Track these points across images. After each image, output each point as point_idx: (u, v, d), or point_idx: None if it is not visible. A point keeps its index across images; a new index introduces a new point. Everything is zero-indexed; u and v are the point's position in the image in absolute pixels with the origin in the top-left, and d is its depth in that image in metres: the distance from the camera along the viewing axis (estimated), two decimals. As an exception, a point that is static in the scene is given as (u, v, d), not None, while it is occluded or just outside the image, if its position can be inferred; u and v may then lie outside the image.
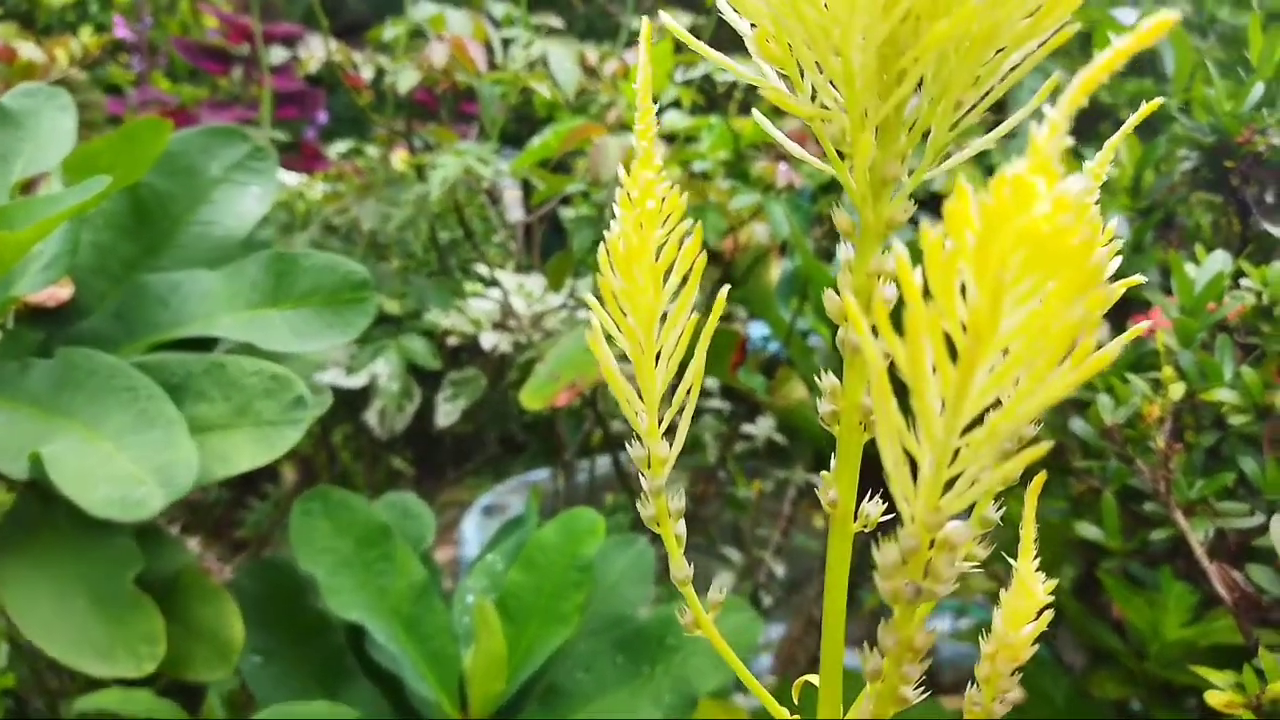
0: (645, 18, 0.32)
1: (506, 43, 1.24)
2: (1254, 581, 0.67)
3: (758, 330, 1.59)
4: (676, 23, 0.32)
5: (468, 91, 1.48)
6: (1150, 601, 0.83)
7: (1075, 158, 1.11)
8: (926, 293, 0.23)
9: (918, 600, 0.26)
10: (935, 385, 0.24)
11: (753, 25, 0.31)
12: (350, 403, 1.50)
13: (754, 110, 0.34)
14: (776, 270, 1.34)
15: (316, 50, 1.21)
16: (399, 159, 1.48)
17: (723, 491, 1.43)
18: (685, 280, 0.32)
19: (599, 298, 0.32)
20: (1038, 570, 0.33)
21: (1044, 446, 0.23)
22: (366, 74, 1.22)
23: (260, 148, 0.87)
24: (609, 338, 0.33)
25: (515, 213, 1.57)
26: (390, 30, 1.40)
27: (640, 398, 0.33)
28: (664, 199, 0.32)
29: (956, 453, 0.25)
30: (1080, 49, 1.43)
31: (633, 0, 1.79)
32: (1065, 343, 0.22)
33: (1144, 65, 1.43)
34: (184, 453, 0.66)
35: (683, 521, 0.34)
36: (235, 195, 0.85)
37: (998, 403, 0.25)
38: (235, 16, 1.69)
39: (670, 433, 0.34)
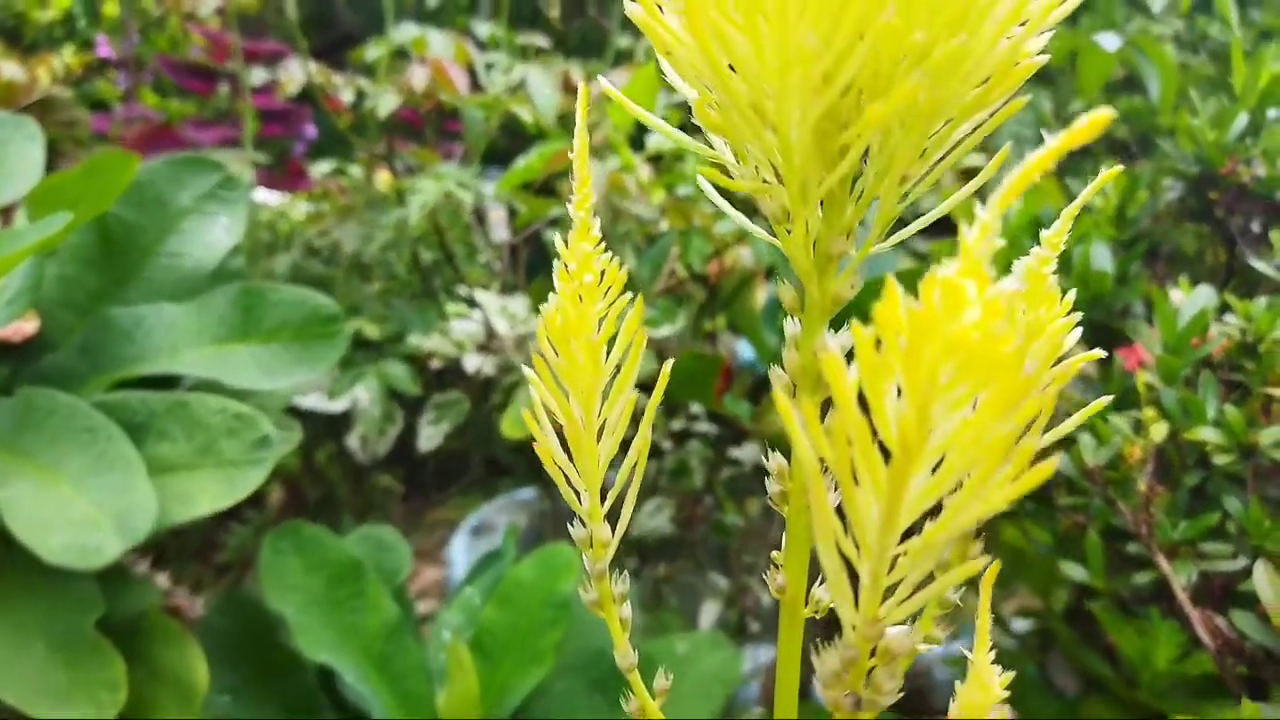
0: (583, 83, 0.30)
1: (490, 66, 1.23)
2: (1237, 628, 0.65)
3: (747, 351, 1.57)
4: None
5: (453, 108, 1.47)
6: (1141, 630, 0.82)
7: (1060, 180, 1.10)
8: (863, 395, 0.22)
9: (859, 711, 0.25)
10: (870, 490, 0.22)
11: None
12: (333, 425, 1.49)
13: (699, 177, 0.33)
14: (762, 294, 1.33)
15: (296, 73, 1.20)
16: (382, 179, 1.47)
17: (709, 517, 1.41)
18: (627, 353, 0.31)
19: (536, 372, 0.31)
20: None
21: (984, 560, 0.22)
22: (347, 96, 1.21)
23: (231, 177, 0.85)
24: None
25: (500, 232, 1.56)
26: (373, 50, 1.39)
27: (581, 476, 0.32)
28: (604, 271, 0.31)
29: (896, 559, 0.23)
30: (1071, 68, 1.42)
31: (621, 17, 1.78)
32: (1000, 453, 0.21)
33: (1135, 84, 1.42)
34: (142, 497, 0.64)
35: (628, 604, 0.33)
36: (204, 226, 0.84)
37: (940, 506, 0.23)
38: (220, 34, 1.68)
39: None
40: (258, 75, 1.31)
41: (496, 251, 1.59)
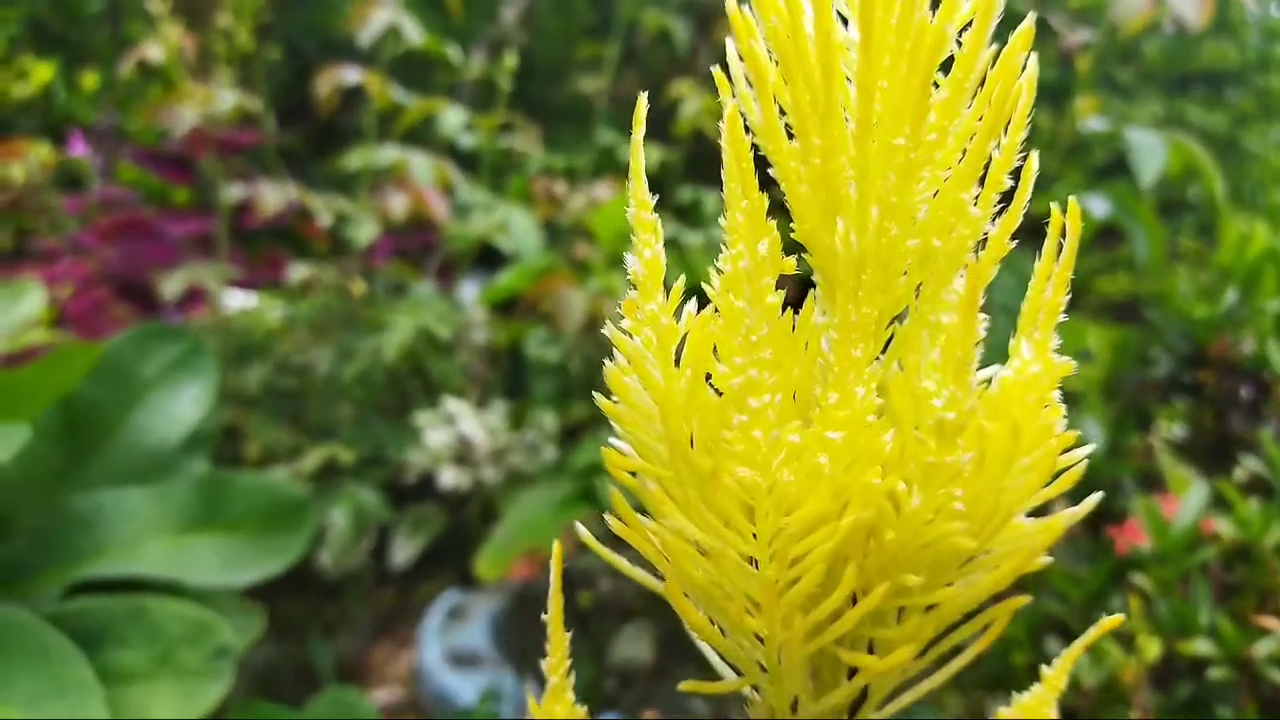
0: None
1: (473, 206, 1.21)
2: None
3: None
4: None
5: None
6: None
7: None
8: None
9: None
10: None
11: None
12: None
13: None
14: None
15: (272, 196, 1.18)
16: (358, 288, 1.45)
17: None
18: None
19: None
20: None
21: None
22: (325, 219, 1.19)
23: (198, 345, 0.83)
24: None
25: (480, 334, 1.53)
26: (355, 159, 1.37)
27: None
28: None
29: None
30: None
31: (604, 115, 1.77)
32: None
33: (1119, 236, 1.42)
34: (94, 729, 0.61)
35: None
36: (169, 399, 0.81)
37: None
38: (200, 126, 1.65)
39: None
40: (234, 192, 1.29)
41: (476, 353, 1.57)
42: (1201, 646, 0.68)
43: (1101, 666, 0.69)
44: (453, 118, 1.17)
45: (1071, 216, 0.23)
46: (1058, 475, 0.24)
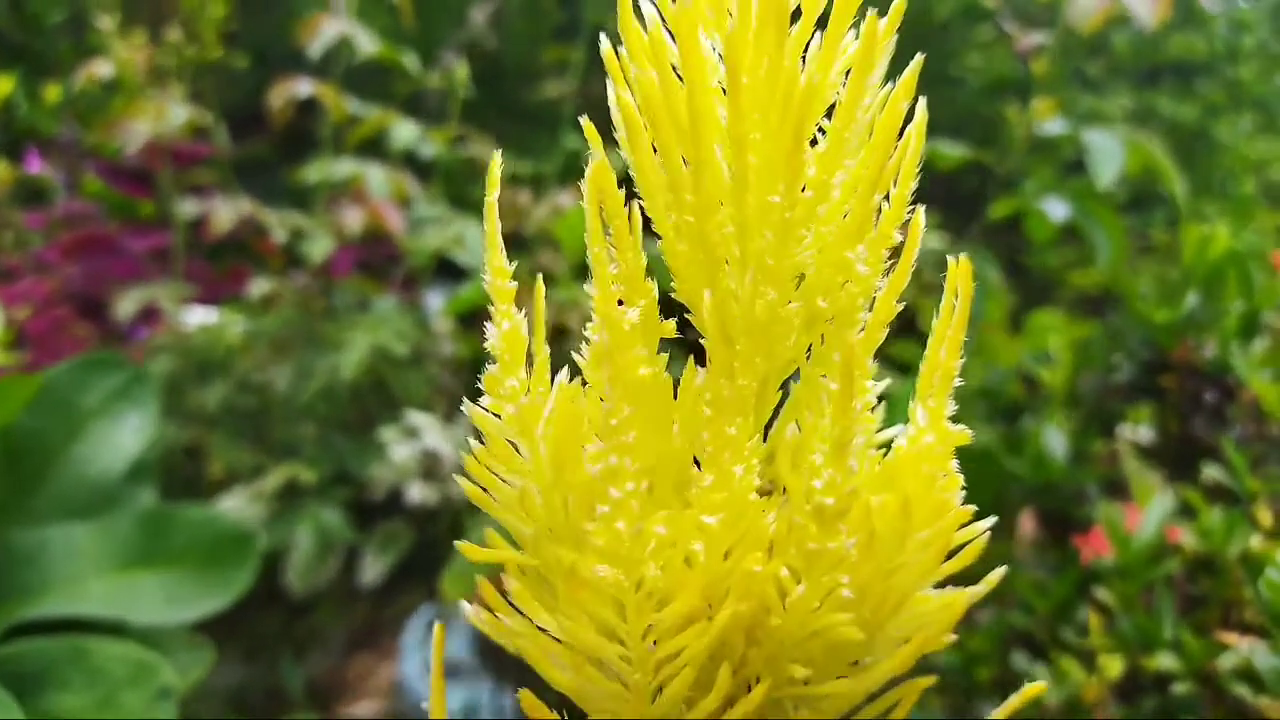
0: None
1: (428, 220, 1.19)
2: None
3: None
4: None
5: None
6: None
7: (1012, 331, 1.08)
8: None
9: None
10: None
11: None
12: (267, 557, 1.43)
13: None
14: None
15: (225, 212, 1.15)
16: (317, 301, 1.42)
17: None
18: None
19: None
20: None
21: None
22: (280, 236, 1.16)
23: (140, 374, 0.81)
24: None
25: (447, 346, 1.51)
26: (313, 172, 1.34)
27: None
28: None
29: None
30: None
31: (571, 119, 1.75)
32: None
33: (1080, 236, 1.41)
34: (27, 783, 0.59)
35: None
36: (111, 429, 0.79)
37: None
38: (154, 141, 1.62)
39: None
40: (189, 208, 1.26)
41: (443, 365, 1.55)
42: (1165, 661, 0.67)
43: (1063, 687, 0.68)
44: (404, 131, 1.15)
45: (962, 275, 0.22)
46: (956, 551, 0.22)
